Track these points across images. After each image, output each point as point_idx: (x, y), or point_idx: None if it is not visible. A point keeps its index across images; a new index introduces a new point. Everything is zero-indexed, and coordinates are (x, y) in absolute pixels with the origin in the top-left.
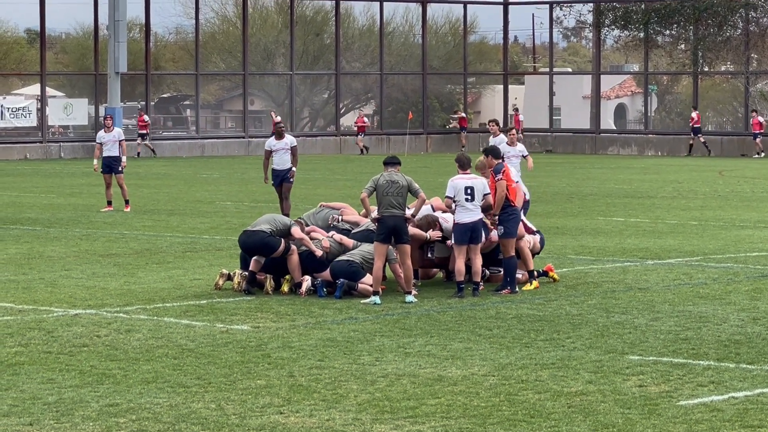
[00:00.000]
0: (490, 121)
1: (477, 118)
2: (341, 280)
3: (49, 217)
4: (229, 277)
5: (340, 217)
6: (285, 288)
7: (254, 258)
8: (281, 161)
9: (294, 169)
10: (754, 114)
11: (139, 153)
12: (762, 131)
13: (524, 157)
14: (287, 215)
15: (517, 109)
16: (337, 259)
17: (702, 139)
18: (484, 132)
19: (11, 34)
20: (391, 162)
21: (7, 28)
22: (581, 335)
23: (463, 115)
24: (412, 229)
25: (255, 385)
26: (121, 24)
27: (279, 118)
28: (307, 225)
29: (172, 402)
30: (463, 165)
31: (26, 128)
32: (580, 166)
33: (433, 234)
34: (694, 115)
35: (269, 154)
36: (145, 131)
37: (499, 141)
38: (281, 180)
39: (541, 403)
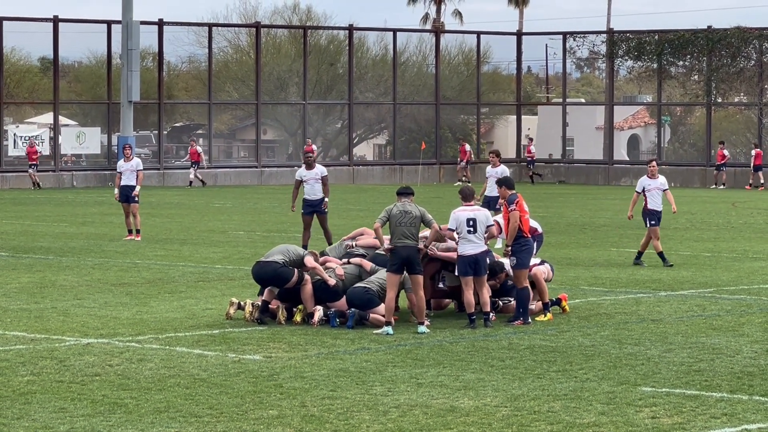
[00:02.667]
0: (490, 152)
1: (490, 148)
2: (352, 310)
3: (62, 246)
4: (240, 306)
5: (354, 243)
6: (298, 318)
7: (268, 288)
8: (312, 191)
9: (326, 199)
10: (720, 146)
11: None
12: (725, 163)
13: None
14: (330, 243)
15: (531, 139)
16: (354, 286)
17: (723, 177)
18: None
19: (24, 63)
20: (405, 192)
21: (21, 56)
22: (594, 366)
23: (467, 146)
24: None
25: (267, 415)
26: (134, 53)
27: (314, 147)
28: (323, 255)
29: None
30: (466, 197)
31: (39, 157)
32: (593, 197)
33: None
34: (725, 152)
35: (299, 183)
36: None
37: (501, 171)
38: (313, 211)
39: None
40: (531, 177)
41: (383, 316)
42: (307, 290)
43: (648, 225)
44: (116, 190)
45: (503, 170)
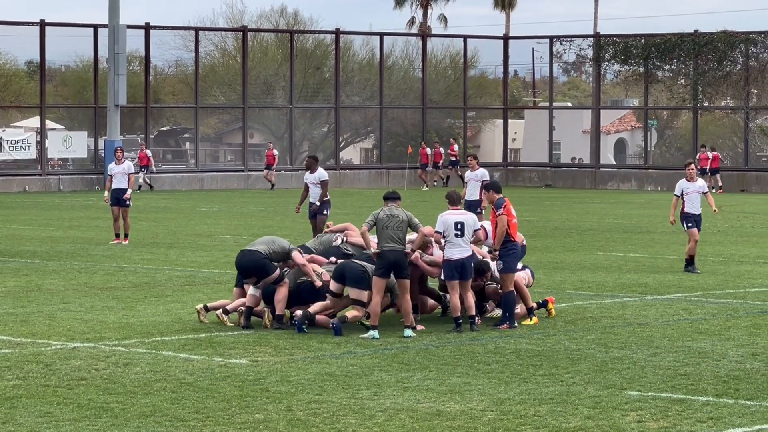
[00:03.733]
0: (468, 156)
1: (476, 152)
2: (296, 316)
3: (48, 250)
4: (207, 309)
5: (345, 239)
6: (267, 321)
7: (250, 293)
8: (313, 194)
9: (318, 203)
10: (702, 149)
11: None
12: (707, 167)
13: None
14: None
15: (455, 139)
16: (350, 261)
17: (720, 182)
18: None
19: (11, 67)
20: (391, 197)
21: (7, 60)
22: (580, 370)
23: (441, 150)
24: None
25: (253, 420)
26: (120, 57)
27: (274, 151)
28: (309, 252)
29: None
30: (453, 201)
31: (25, 161)
32: (579, 200)
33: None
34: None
35: (306, 187)
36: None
37: (481, 175)
38: (314, 213)
39: None
40: (447, 178)
41: (331, 317)
42: (282, 292)
43: (686, 228)
44: (106, 193)
45: (483, 173)
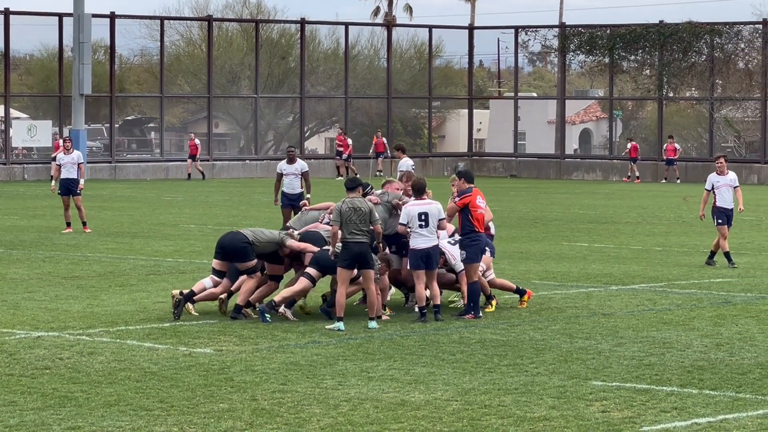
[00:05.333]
0: (395, 147)
1: (441, 142)
2: (260, 306)
3: (12, 239)
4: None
5: (330, 217)
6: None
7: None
8: (291, 186)
9: (308, 195)
10: (670, 140)
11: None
12: (676, 157)
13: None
14: None
15: (342, 129)
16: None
17: (677, 173)
18: (449, 156)
19: None
20: (352, 186)
21: None
22: (545, 360)
23: (383, 140)
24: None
25: (218, 409)
26: (85, 46)
27: (196, 141)
28: (295, 230)
29: (134, 425)
30: (418, 191)
31: None
32: (544, 191)
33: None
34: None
35: (280, 177)
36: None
37: (405, 165)
38: (291, 204)
39: (504, 428)
40: (346, 170)
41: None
42: (249, 284)
43: (716, 224)
44: (53, 183)
45: (406, 163)
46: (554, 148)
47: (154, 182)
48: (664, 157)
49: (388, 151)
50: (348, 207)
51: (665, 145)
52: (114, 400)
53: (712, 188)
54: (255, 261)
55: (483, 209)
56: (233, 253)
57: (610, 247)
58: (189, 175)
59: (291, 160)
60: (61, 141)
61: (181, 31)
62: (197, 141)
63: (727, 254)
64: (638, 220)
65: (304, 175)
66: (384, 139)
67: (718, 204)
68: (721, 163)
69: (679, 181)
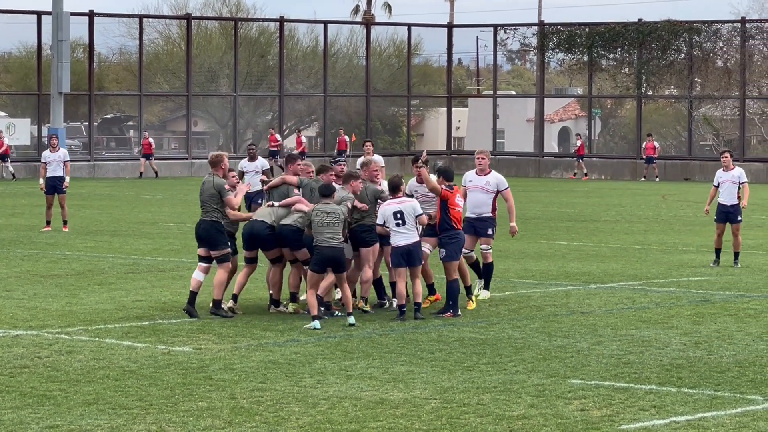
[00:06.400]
0: (364, 142)
1: (420, 140)
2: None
3: None
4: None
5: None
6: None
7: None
8: (253, 184)
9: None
10: (649, 138)
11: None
12: (656, 156)
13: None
14: None
15: (273, 129)
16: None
17: (656, 171)
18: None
19: None
20: (325, 194)
21: None
22: (523, 359)
23: (345, 137)
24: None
25: (196, 407)
26: (64, 44)
27: (150, 140)
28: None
29: (113, 424)
30: (393, 189)
31: None
32: (523, 189)
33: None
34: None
35: (242, 175)
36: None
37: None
38: (250, 202)
39: (483, 426)
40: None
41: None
42: (220, 275)
43: (714, 219)
44: (41, 180)
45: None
46: (533, 146)
47: (133, 180)
48: (643, 156)
49: (349, 150)
50: (318, 211)
51: (644, 143)
52: (93, 399)
53: (719, 184)
54: (227, 250)
55: (461, 208)
56: (205, 239)
57: (589, 246)
58: (141, 173)
59: (252, 158)
60: (6, 138)
61: (160, 30)
62: (151, 140)
63: (717, 251)
64: (617, 219)
65: (264, 173)
66: (346, 137)
67: (719, 200)
68: (726, 158)
69: (658, 179)
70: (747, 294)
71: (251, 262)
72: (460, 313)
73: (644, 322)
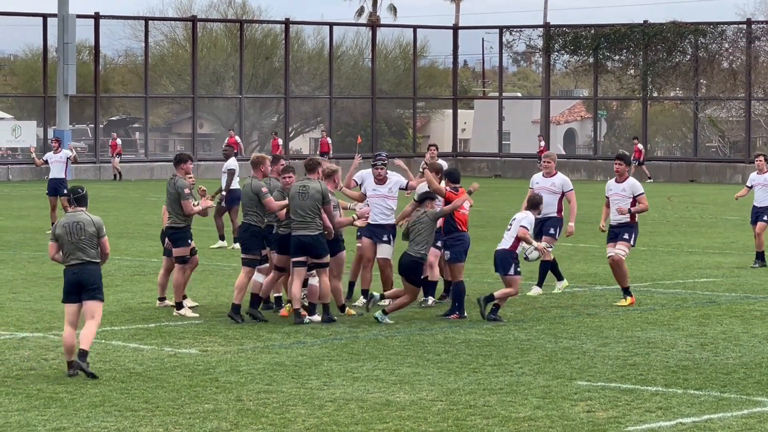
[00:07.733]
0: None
1: (426, 142)
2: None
3: None
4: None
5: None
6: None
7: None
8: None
9: (223, 192)
10: (635, 141)
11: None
12: (642, 159)
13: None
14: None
15: (231, 130)
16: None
17: (646, 171)
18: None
19: None
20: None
21: None
22: (529, 360)
23: (328, 139)
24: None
25: (203, 409)
26: (70, 46)
27: (118, 141)
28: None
29: (119, 426)
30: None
31: None
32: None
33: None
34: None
35: (232, 174)
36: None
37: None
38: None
39: (489, 428)
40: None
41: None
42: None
43: (752, 222)
44: (37, 160)
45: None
46: (539, 148)
47: (139, 182)
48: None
49: (331, 152)
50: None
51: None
52: (99, 401)
53: (752, 186)
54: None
55: (466, 210)
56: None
57: (595, 247)
58: (118, 175)
59: (226, 159)
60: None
61: (165, 32)
62: (119, 141)
63: (759, 254)
64: None
65: (229, 173)
66: (329, 139)
67: (754, 203)
68: (760, 161)
69: (650, 180)
70: (753, 296)
71: (284, 270)
72: (466, 315)
73: (650, 324)
